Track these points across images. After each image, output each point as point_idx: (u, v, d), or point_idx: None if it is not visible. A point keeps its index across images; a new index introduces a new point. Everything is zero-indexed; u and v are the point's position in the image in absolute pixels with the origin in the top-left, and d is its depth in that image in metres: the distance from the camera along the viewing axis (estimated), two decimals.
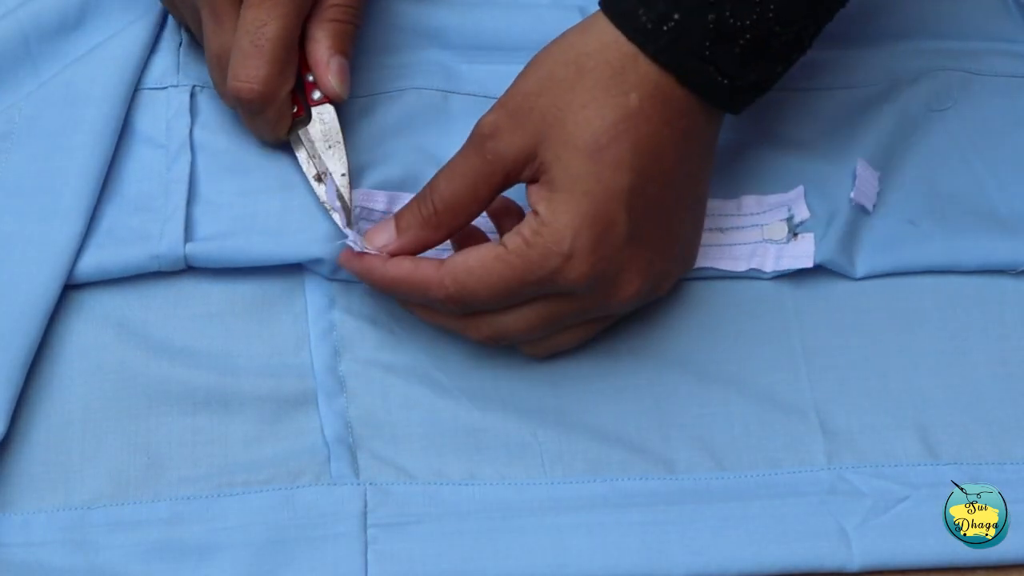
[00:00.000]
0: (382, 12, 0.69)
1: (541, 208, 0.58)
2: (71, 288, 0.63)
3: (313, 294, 0.64)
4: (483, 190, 0.59)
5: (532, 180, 0.59)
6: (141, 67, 0.66)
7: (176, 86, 0.66)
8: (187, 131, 0.65)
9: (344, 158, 0.63)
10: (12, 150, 0.65)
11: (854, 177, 0.67)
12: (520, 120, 0.58)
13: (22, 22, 0.66)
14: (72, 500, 0.59)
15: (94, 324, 0.63)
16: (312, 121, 0.63)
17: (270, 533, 0.59)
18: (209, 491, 0.60)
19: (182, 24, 0.67)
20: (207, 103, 0.66)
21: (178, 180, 0.64)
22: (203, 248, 0.63)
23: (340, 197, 0.62)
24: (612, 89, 0.58)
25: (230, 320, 0.64)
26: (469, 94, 0.68)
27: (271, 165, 0.65)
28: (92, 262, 0.62)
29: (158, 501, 0.60)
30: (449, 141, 0.63)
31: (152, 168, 0.65)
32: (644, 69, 0.58)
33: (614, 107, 0.58)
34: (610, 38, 0.58)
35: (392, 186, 0.65)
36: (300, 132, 0.63)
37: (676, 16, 0.57)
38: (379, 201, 0.64)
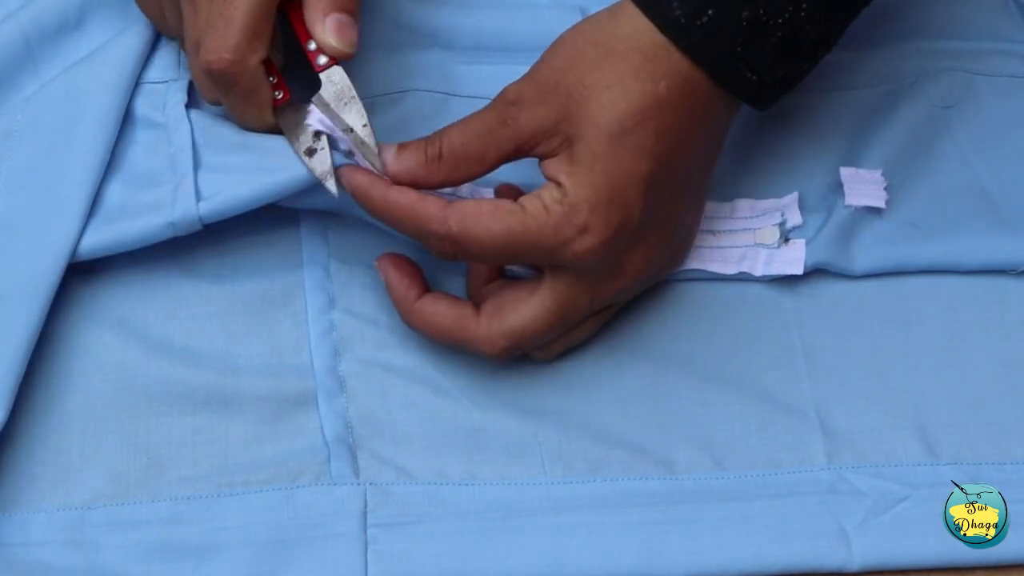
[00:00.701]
0: (382, 12, 0.69)
1: (563, 179, 0.58)
2: (71, 288, 0.63)
3: (313, 294, 0.64)
4: (491, 152, 0.59)
5: (548, 155, 0.59)
6: (141, 64, 0.66)
7: (176, 80, 0.66)
8: (182, 105, 0.64)
9: (362, 111, 0.61)
10: (15, 148, 0.64)
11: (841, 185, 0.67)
12: (545, 93, 0.58)
13: (23, 24, 0.66)
14: (72, 500, 0.60)
15: (94, 323, 0.63)
16: (324, 86, 0.62)
17: (270, 533, 0.59)
18: (209, 491, 0.60)
19: (168, 35, 0.66)
20: None
21: (182, 150, 0.63)
22: (214, 203, 0.61)
23: (360, 143, 0.61)
24: (642, 75, 0.58)
25: (230, 320, 0.64)
26: (470, 96, 0.68)
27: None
28: (106, 236, 0.62)
29: (158, 501, 0.60)
30: None
31: (156, 147, 0.64)
32: (675, 61, 0.58)
33: (642, 93, 0.58)
34: (642, 25, 0.58)
35: None
36: (314, 99, 0.62)
37: (710, 11, 0.57)
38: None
